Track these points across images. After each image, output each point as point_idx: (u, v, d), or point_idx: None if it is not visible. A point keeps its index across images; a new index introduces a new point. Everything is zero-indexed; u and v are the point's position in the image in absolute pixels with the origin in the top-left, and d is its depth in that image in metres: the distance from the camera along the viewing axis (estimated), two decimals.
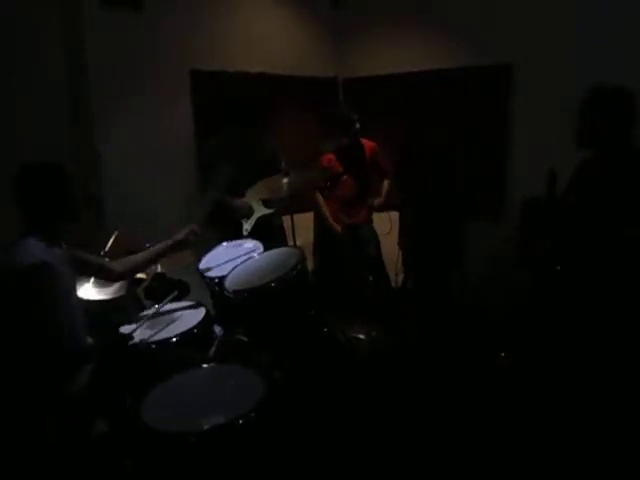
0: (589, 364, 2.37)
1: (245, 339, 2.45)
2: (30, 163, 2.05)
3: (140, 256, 2.46)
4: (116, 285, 2.54)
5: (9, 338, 1.99)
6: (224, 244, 3.13)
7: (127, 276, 2.50)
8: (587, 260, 2.37)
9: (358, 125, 3.74)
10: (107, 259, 2.50)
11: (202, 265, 2.90)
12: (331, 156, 3.88)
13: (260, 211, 3.55)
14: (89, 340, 2.15)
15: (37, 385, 1.96)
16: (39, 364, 1.96)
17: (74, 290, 2.20)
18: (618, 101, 2.38)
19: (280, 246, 3.02)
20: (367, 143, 3.93)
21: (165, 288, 2.60)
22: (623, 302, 2.30)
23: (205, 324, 2.42)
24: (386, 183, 4.03)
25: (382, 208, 4.01)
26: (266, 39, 4.28)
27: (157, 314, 2.48)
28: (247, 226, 3.48)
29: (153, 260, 2.53)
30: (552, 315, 2.54)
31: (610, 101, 2.39)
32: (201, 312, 2.49)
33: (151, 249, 2.48)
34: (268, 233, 3.34)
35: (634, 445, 2.25)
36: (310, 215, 4.45)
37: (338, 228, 3.97)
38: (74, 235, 2.19)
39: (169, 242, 2.49)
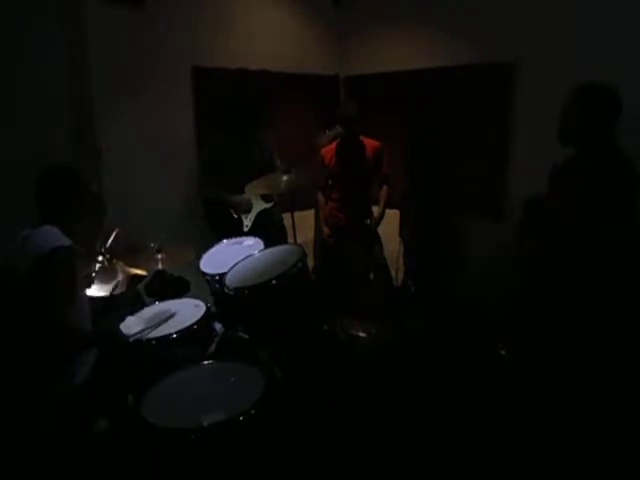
0: (588, 363, 2.37)
1: (246, 336, 2.45)
2: (47, 167, 2.18)
3: None
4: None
5: (21, 322, 2.03)
6: (225, 241, 3.13)
7: None
8: (569, 260, 2.35)
9: (356, 121, 3.67)
10: (108, 256, 2.51)
11: (203, 262, 2.90)
12: (329, 148, 3.85)
13: (259, 206, 3.56)
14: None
15: (38, 375, 1.96)
16: (51, 344, 2.00)
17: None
18: (596, 100, 2.33)
19: (280, 243, 3.03)
20: (370, 142, 3.82)
21: (166, 285, 2.60)
22: (606, 301, 2.29)
23: (206, 321, 2.43)
24: (384, 190, 3.92)
25: (379, 222, 3.94)
26: (267, 36, 4.28)
27: (158, 312, 2.48)
28: (247, 222, 3.49)
29: None
30: (551, 314, 2.54)
31: (587, 100, 2.34)
32: (201, 309, 2.50)
33: None
34: (268, 230, 3.35)
35: (634, 443, 2.25)
36: (311, 213, 4.46)
37: (327, 231, 3.96)
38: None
39: None
